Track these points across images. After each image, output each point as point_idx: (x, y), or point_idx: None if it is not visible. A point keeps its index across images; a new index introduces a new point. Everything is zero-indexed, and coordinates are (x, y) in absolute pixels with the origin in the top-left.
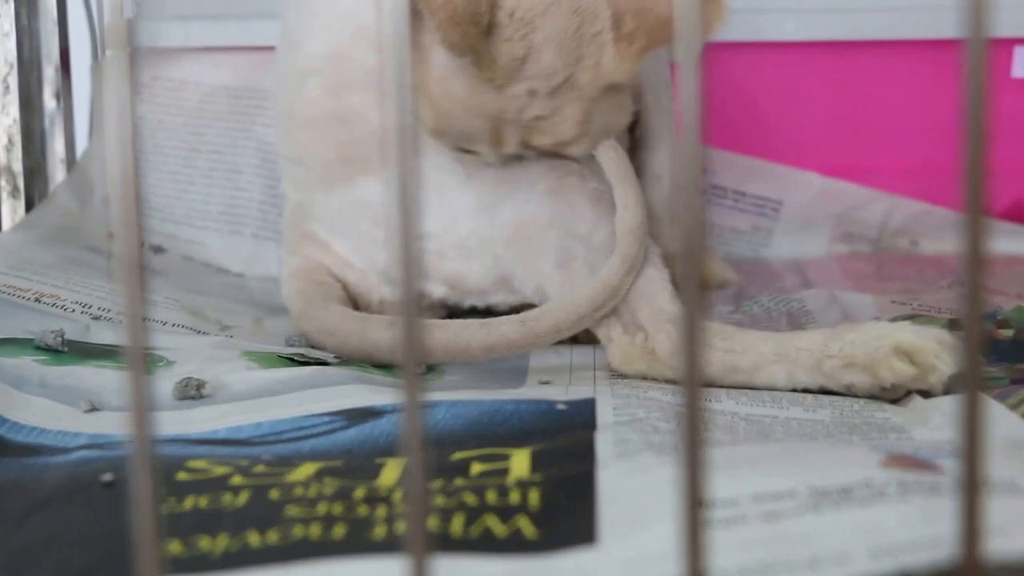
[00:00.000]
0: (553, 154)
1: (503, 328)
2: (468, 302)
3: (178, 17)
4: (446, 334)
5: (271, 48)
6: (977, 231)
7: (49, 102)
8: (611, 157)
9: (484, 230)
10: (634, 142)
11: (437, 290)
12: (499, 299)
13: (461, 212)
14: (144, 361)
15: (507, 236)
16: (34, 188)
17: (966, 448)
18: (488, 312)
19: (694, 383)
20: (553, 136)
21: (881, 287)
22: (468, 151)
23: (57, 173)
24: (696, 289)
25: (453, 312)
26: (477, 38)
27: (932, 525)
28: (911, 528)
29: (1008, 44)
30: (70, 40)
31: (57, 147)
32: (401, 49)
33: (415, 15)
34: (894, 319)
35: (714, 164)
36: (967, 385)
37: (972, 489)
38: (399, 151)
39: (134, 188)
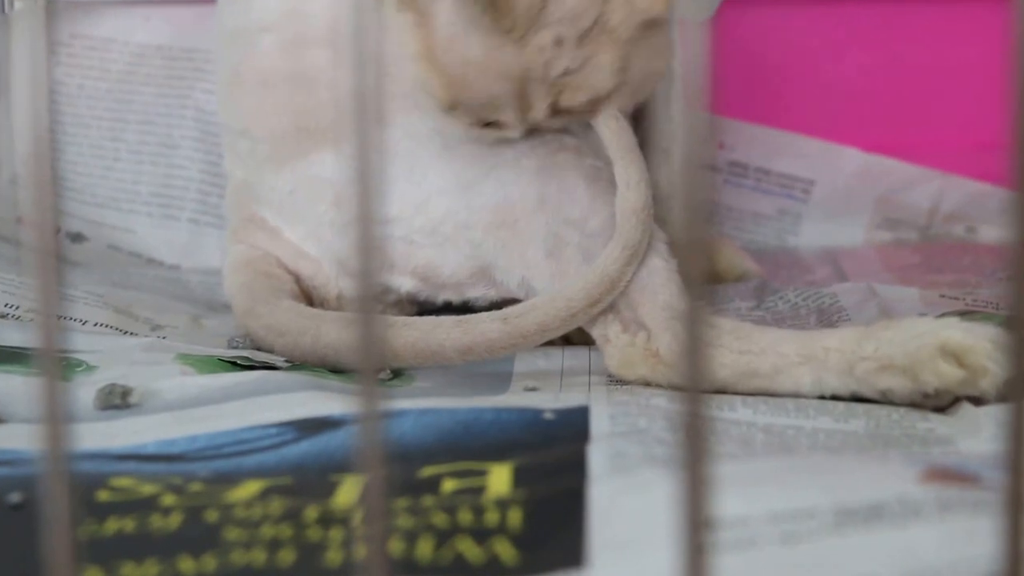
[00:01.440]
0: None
1: (482, 326)
2: (442, 297)
3: None
4: (415, 333)
5: (211, 1)
6: None
7: None
8: (612, 128)
9: (461, 213)
10: (637, 111)
11: (405, 283)
12: (478, 293)
13: (434, 191)
14: (59, 366)
15: (488, 220)
16: None
17: (1012, 459)
18: (465, 309)
19: (697, 384)
20: (588, 91)
21: (929, 280)
22: (490, 126)
23: None
24: (699, 279)
25: (425, 309)
26: None
27: (974, 546)
28: (949, 550)
29: None
30: None
31: None
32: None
33: None
34: (942, 316)
35: (736, 137)
36: (1015, 389)
37: (1018, 505)
38: (358, 119)
39: (49, 165)
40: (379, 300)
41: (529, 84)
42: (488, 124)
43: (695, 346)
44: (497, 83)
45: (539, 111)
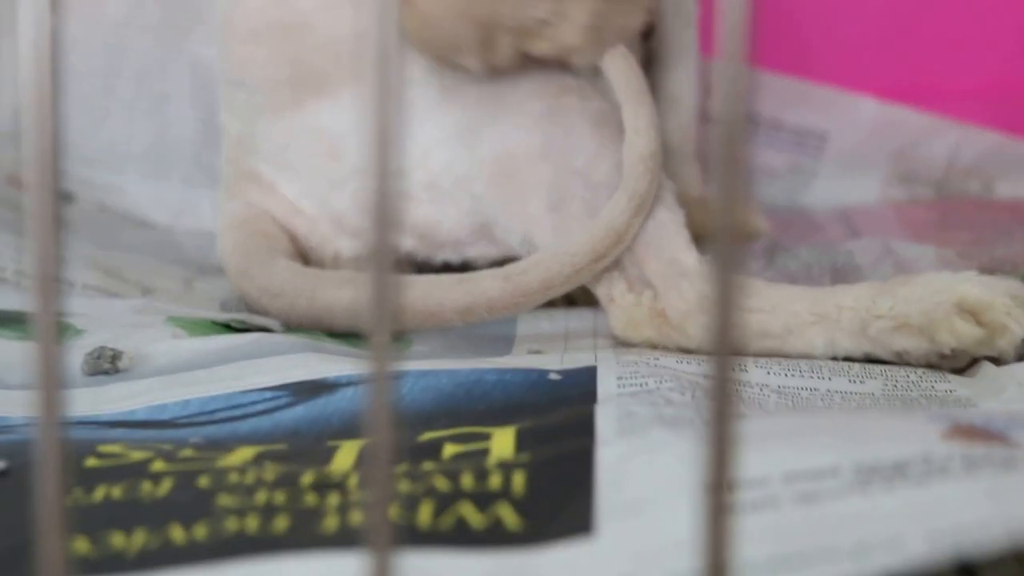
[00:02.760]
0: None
1: (483, 284)
2: (440, 256)
3: None
4: (413, 293)
5: None
6: None
7: None
8: (621, 69)
9: (461, 165)
10: (648, 55)
11: (404, 242)
12: (478, 252)
13: (433, 142)
14: (55, 332)
15: (489, 172)
16: None
17: None
18: (465, 269)
19: (725, 350)
20: (554, 42)
21: (945, 237)
22: (453, 64)
23: None
24: (732, 243)
25: (423, 269)
26: None
27: (1002, 504)
28: (976, 507)
29: None
30: None
31: None
32: None
33: None
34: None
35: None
36: None
37: None
38: (378, 69)
39: (51, 121)
40: (396, 260)
41: (496, 31)
42: (452, 64)
43: (725, 314)
44: (464, 27)
45: (503, 56)
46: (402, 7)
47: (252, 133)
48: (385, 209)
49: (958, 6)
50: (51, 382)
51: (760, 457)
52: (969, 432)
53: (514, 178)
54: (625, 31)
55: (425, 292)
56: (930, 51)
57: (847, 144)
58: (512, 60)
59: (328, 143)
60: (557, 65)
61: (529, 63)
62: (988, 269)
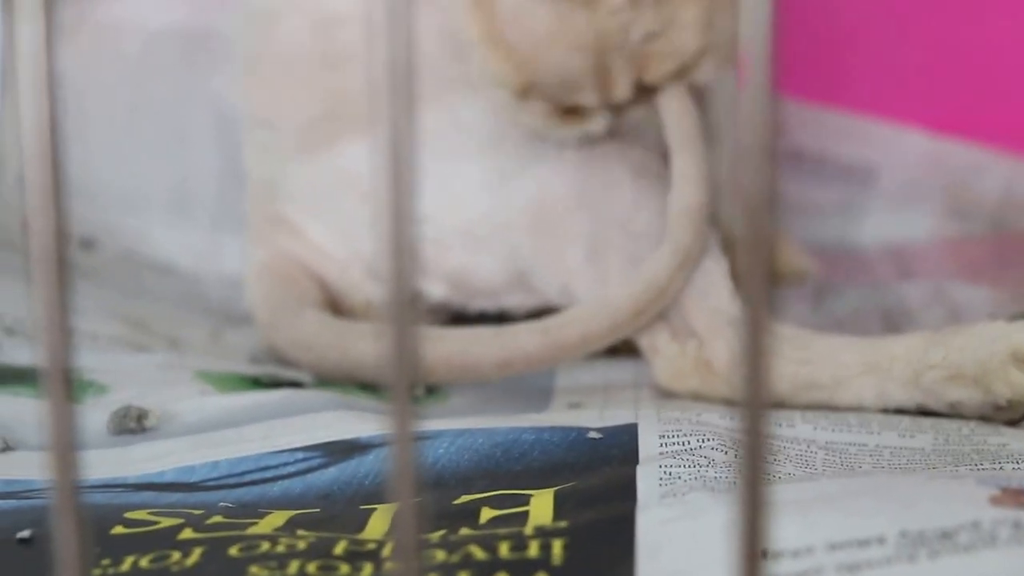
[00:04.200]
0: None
1: (521, 338)
2: (476, 305)
3: None
4: (450, 347)
5: None
6: None
7: None
8: (676, 110)
9: (498, 212)
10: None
11: (437, 290)
12: (515, 301)
13: (469, 188)
14: (68, 388)
15: (526, 220)
16: None
17: None
18: (501, 318)
19: (756, 402)
20: (673, 57)
21: (1001, 277)
22: (570, 113)
23: None
24: (762, 285)
25: (458, 318)
26: None
27: None
28: None
29: None
30: None
31: None
32: None
33: None
34: (1017, 316)
35: (791, 121)
36: None
37: None
38: (391, 103)
39: (52, 164)
40: (415, 308)
41: (608, 55)
42: (568, 112)
43: (756, 358)
44: (572, 56)
45: (623, 87)
46: (497, 58)
47: (279, 175)
48: (402, 262)
49: (1008, 36)
50: (64, 440)
51: (803, 525)
52: (1019, 496)
53: (551, 226)
54: (735, 39)
55: (461, 346)
56: (980, 82)
57: (896, 179)
58: (631, 92)
59: (359, 184)
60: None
61: (648, 98)
62: None
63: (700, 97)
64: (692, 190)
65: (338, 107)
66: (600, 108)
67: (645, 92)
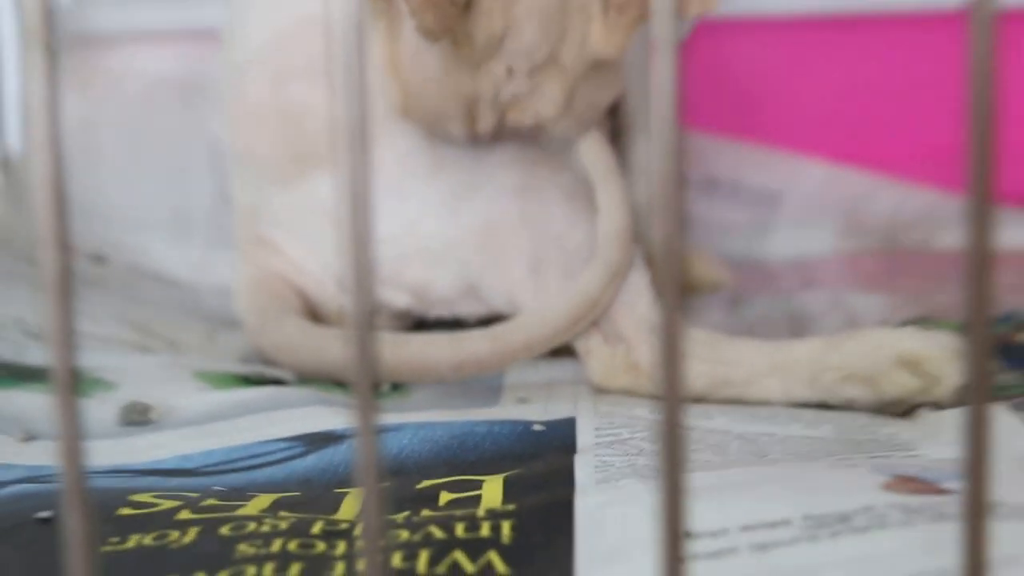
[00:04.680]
0: (531, 135)
1: (472, 344)
2: (434, 313)
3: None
4: (411, 350)
5: (220, 32)
6: (982, 223)
7: None
8: (594, 152)
9: (449, 232)
10: (615, 128)
11: (400, 299)
12: (467, 310)
13: (424, 212)
14: (72, 389)
15: (474, 239)
16: None
17: (970, 467)
18: (456, 324)
19: (674, 400)
20: (532, 114)
21: (891, 286)
22: (440, 133)
23: None
24: (675, 297)
25: (419, 324)
26: (455, 19)
27: (936, 555)
28: (913, 559)
29: None
30: (2, 34)
31: None
32: (351, 34)
33: None
34: (904, 322)
35: (708, 153)
36: (973, 396)
37: (976, 513)
38: (350, 150)
39: (57, 188)
40: (374, 319)
41: (478, 104)
42: (437, 133)
43: (672, 358)
44: (449, 100)
45: (485, 125)
46: (391, 82)
47: (261, 203)
48: (362, 279)
49: (895, 79)
50: (71, 433)
51: (720, 509)
52: (907, 483)
53: (497, 244)
54: (597, 106)
55: (421, 350)
56: (873, 118)
57: (799, 201)
58: (494, 129)
59: (328, 211)
60: (530, 141)
61: (508, 135)
62: (931, 316)
63: (619, 135)
64: (617, 215)
65: (300, 149)
66: (461, 136)
67: (506, 129)
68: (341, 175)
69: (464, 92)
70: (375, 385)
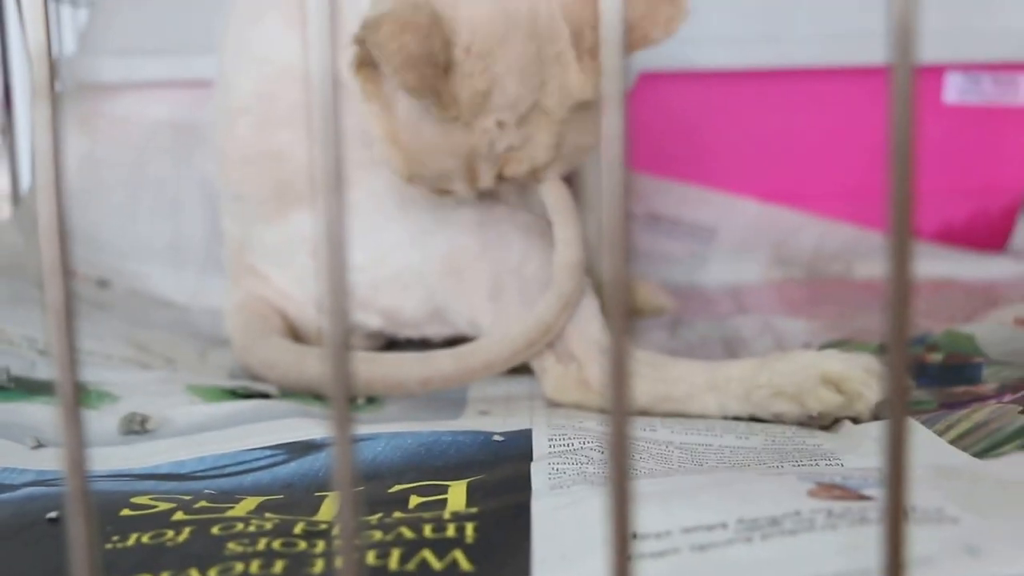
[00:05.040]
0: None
1: (438, 362)
2: (404, 334)
3: (119, 52)
4: (383, 368)
5: (212, 82)
6: (903, 256)
7: None
8: (554, 193)
9: (416, 262)
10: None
11: (373, 321)
12: (434, 331)
13: (393, 244)
14: (76, 405)
15: (439, 268)
16: None
17: (890, 475)
18: (424, 344)
19: (621, 414)
20: (528, 163)
21: (814, 312)
22: (444, 191)
23: (2, 209)
24: (623, 321)
25: (391, 343)
26: (436, 78)
27: (858, 556)
28: (837, 560)
29: (939, 70)
30: (12, 76)
31: (1, 183)
32: (326, 87)
33: (372, 66)
34: (826, 345)
35: (651, 192)
36: (892, 412)
37: (895, 517)
38: (328, 193)
39: (58, 224)
40: (350, 339)
41: (476, 160)
42: (444, 191)
43: (619, 376)
44: (448, 160)
45: (486, 180)
46: (392, 154)
47: (249, 236)
48: (338, 301)
49: (819, 126)
50: (74, 442)
51: (664, 512)
52: (830, 489)
53: (460, 274)
54: (584, 148)
55: (392, 367)
56: (798, 162)
57: (734, 235)
58: (493, 183)
59: (307, 244)
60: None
61: (504, 186)
62: (851, 339)
63: (572, 178)
64: (571, 250)
65: (283, 190)
66: (466, 192)
67: (505, 180)
68: (320, 213)
69: (461, 151)
70: (351, 399)
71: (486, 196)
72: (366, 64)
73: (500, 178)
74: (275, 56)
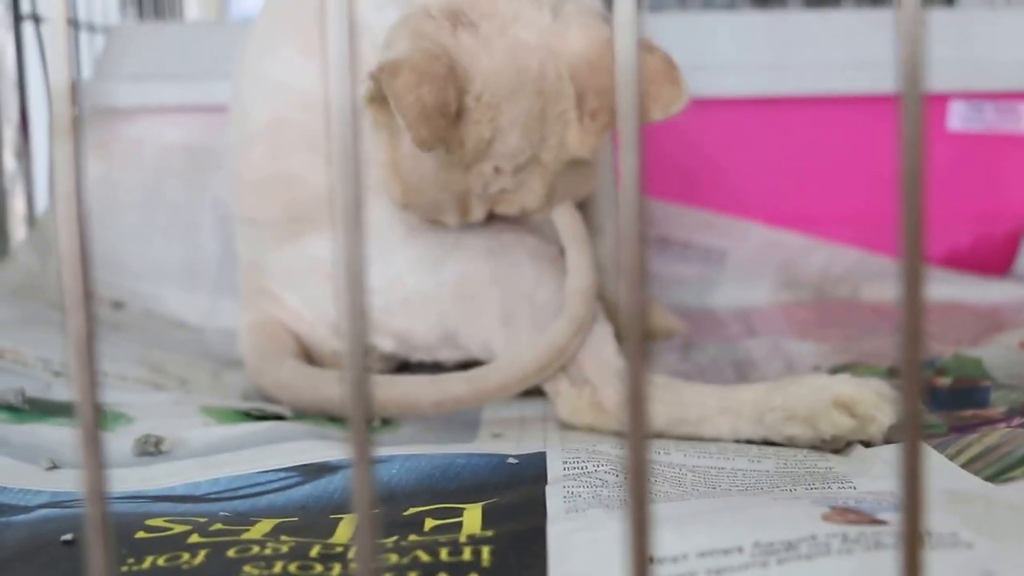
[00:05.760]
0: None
1: (451, 385)
2: (416, 357)
3: (135, 77)
4: (396, 390)
5: (226, 108)
6: (915, 281)
7: (9, 162)
8: (566, 220)
9: (428, 287)
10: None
11: (386, 344)
12: (446, 355)
13: (404, 269)
14: (96, 429)
15: (451, 293)
16: None
17: (906, 501)
18: (437, 367)
19: (639, 438)
20: (518, 205)
21: (823, 335)
22: (436, 221)
23: (18, 231)
24: (640, 344)
25: (404, 366)
26: (446, 129)
27: None
28: None
29: (943, 99)
30: (29, 100)
31: (18, 205)
32: (347, 119)
33: (385, 99)
34: (835, 367)
35: (661, 216)
36: (906, 437)
37: (912, 543)
38: (347, 220)
39: (82, 269)
40: (368, 362)
41: (470, 197)
42: (434, 220)
43: (637, 399)
44: (443, 195)
45: (477, 215)
46: (392, 181)
47: (262, 259)
48: (357, 323)
49: (825, 152)
50: (95, 469)
51: (679, 535)
52: (844, 513)
53: (471, 299)
54: (575, 196)
55: (406, 390)
56: (805, 187)
57: (741, 259)
58: (483, 217)
59: (322, 267)
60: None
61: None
62: (860, 362)
63: (583, 202)
64: (583, 276)
65: (296, 213)
66: (456, 224)
67: (497, 218)
68: (339, 237)
69: (457, 189)
70: (369, 421)
71: (494, 221)
72: (379, 98)
73: (490, 215)
74: (290, 83)
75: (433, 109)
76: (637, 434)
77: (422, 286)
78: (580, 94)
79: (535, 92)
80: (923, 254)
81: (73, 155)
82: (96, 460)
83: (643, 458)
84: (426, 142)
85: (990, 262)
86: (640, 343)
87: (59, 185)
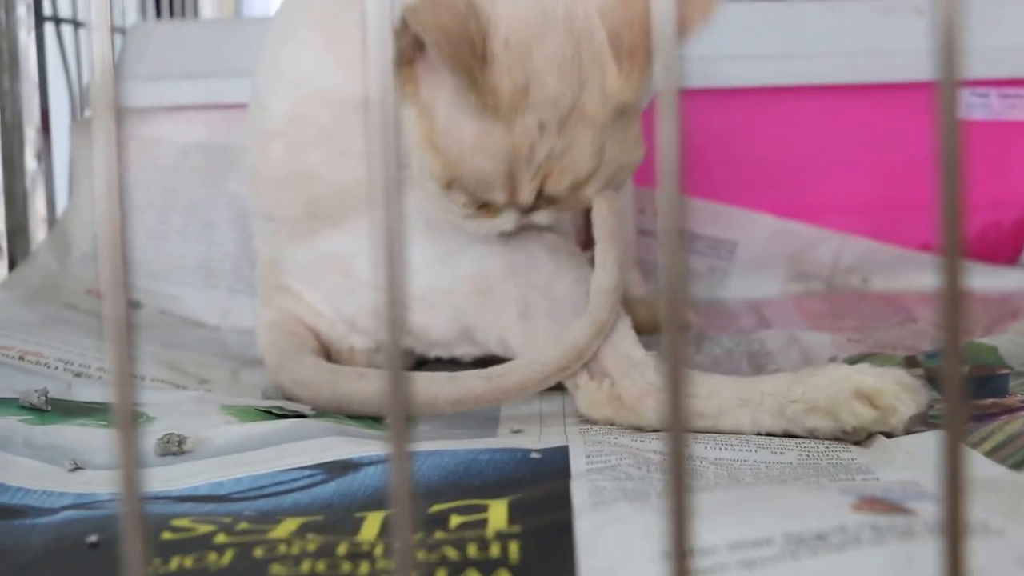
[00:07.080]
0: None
1: (470, 383)
2: (433, 353)
3: (152, 77)
4: (415, 387)
5: (242, 106)
6: (955, 270)
7: (30, 163)
8: (604, 211)
9: (444, 283)
10: None
11: (403, 341)
12: (463, 351)
13: (421, 264)
14: (133, 422)
15: (467, 289)
16: (16, 247)
17: (949, 492)
18: (453, 362)
19: (679, 430)
20: (569, 174)
21: (836, 325)
22: (483, 207)
23: (39, 232)
24: (678, 338)
25: (421, 362)
26: (472, 58)
27: (906, 570)
28: (888, 573)
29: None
30: (50, 102)
31: (38, 207)
32: (387, 111)
33: (410, 63)
34: (851, 357)
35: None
36: (948, 428)
37: (956, 534)
38: (386, 213)
39: (121, 249)
40: (400, 359)
41: (517, 164)
42: (483, 207)
43: (676, 394)
44: (488, 161)
45: (527, 193)
46: (431, 158)
47: (281, 255)
48: (396, 315)
49: (834, 142)
50: (131, 463)
51: (708, 528)
52: (873, 503)
53: (488, 293)
54: (626, 164)
55: (424, 387)
56: (814, 177)
57: (753, 251)
58: (533, 199)
59: (340, 263)
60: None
61: (545, 204)
62: (876, 354)
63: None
64: (609, 275)
65: (314, 209)
66: (508, 207)
67: (545, 200)
68: (377, 227)
69: (501, 153)
70: (407, 418)
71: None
72: (405, 61)
73: (540, 196)
74: (308, 79)
75: (454, 32)
76: (677, 427)
77: (438, 281)
78: (613, 32)
79: (565, 31)
80: (963, 243)
81: (114, 152)
82: (131, 450)
83: (682, 451)
84: (453, 63)
85: (999, 251)
86: (678, 335)
87: (98, 174)
